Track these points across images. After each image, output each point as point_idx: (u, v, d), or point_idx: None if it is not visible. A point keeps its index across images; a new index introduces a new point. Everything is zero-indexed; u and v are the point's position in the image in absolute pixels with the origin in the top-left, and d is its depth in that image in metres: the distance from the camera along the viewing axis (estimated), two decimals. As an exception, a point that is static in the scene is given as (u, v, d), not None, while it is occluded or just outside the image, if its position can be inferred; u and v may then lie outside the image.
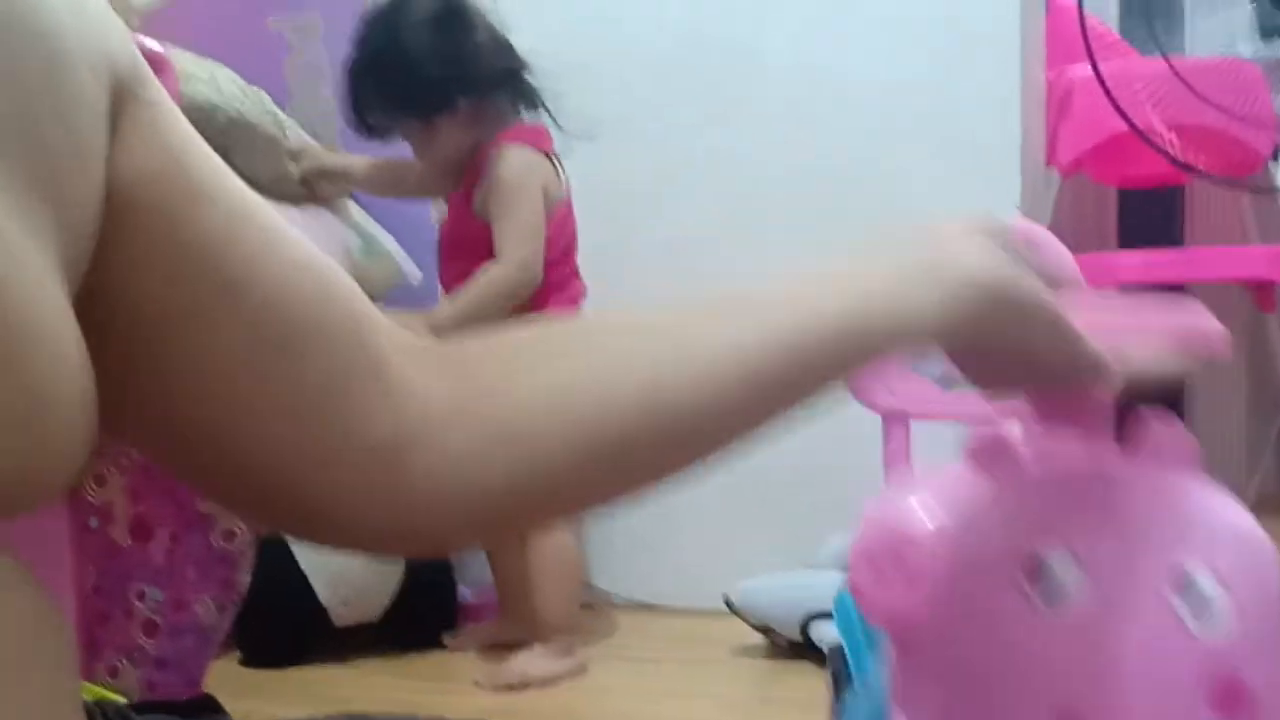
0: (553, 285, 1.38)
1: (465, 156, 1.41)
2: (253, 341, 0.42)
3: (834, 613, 0.88)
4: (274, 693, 1.31)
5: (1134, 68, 1.52)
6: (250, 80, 1.47)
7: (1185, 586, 0.55)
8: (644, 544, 1.45)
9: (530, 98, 1.42)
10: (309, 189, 1.44)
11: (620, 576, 1.60)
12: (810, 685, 1.06)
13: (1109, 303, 0.62)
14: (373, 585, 1.42)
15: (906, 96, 1.53)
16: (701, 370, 0.45)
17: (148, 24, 1.82)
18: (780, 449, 1.54)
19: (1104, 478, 0.60)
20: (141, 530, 1.02)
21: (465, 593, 1.52)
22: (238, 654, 1.39)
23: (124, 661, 1.02)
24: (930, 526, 0.60)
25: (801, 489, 1.50)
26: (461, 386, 0.45)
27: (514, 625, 1.41)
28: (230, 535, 1.05)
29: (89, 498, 1.00)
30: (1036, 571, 0.56)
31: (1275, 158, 1.45)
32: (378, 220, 1.62)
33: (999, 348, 0.53)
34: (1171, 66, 1.50)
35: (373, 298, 0.48)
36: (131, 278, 0.40)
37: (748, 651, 1.41)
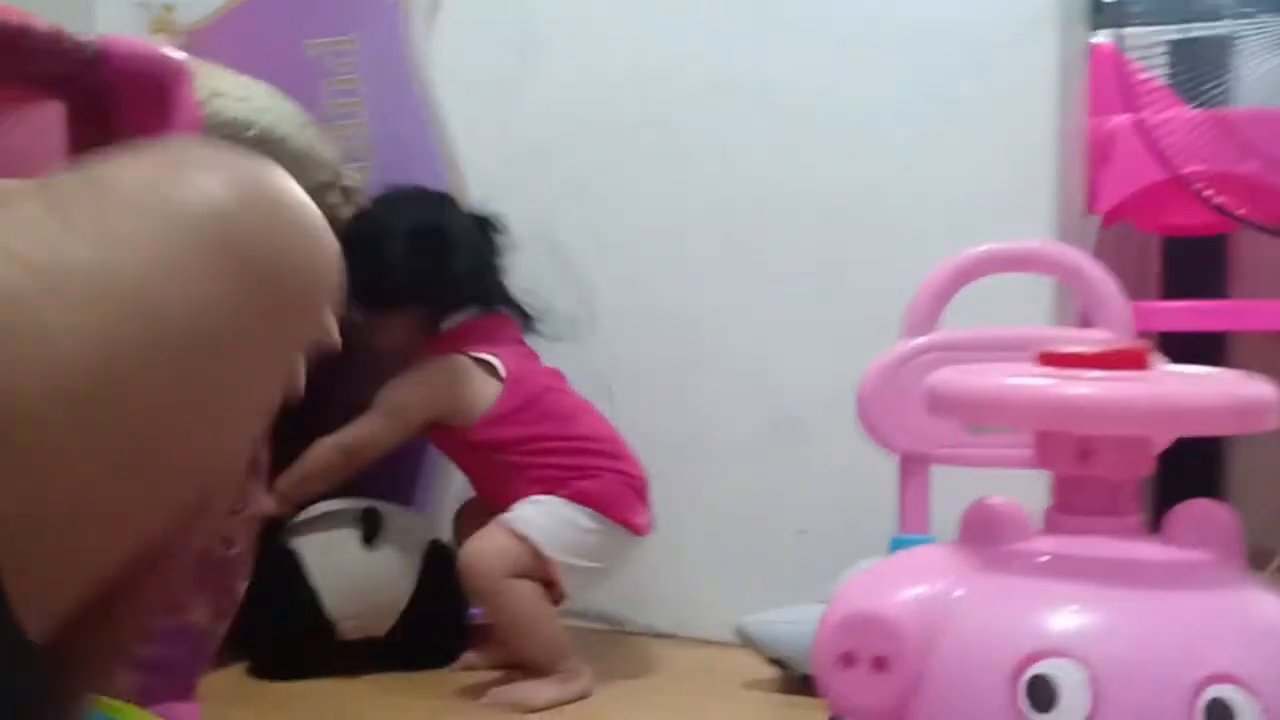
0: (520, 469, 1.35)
1: (409, 349, 1.40)
2: None
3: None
4: (281, 704, 1.27)
5: (1178, 116, 1.48)
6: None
7: (1209, 701, 0.47)
8: (658, 573, 1.41)
9: (494, 305, 1.43)
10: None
11: (634, 605, 1.56)
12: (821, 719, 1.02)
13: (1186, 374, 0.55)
14: (383, 600, 1.38)
15: (940, 139, 1.50)
16: None
17: (191, 44, 1.83)
18: (801, 484, 1.51)
19: (1126, 569, 0.52)
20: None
21: (476, 612, 1.49)
22: (245, 664, 1.36)
23: (117, 666, 0.99)
24: (912, 617, 0.54)
25: (820, 523, 1.47)
26: None
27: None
28: (228, 542, 1.02)
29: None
30: (1035, 684, 0.48)
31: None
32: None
33: None
34: (1216, 115, 1.45)
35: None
36: None
37: (759, 685, 1.37)
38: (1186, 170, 1.41)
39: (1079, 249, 1.04)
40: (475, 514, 1.40)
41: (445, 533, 1.45)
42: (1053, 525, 0.57)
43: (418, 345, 1.39)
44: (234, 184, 0.50)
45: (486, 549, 1.29)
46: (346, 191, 1.46)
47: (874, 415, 0.83)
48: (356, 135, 1.59)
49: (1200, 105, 1.46)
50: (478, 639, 1.45)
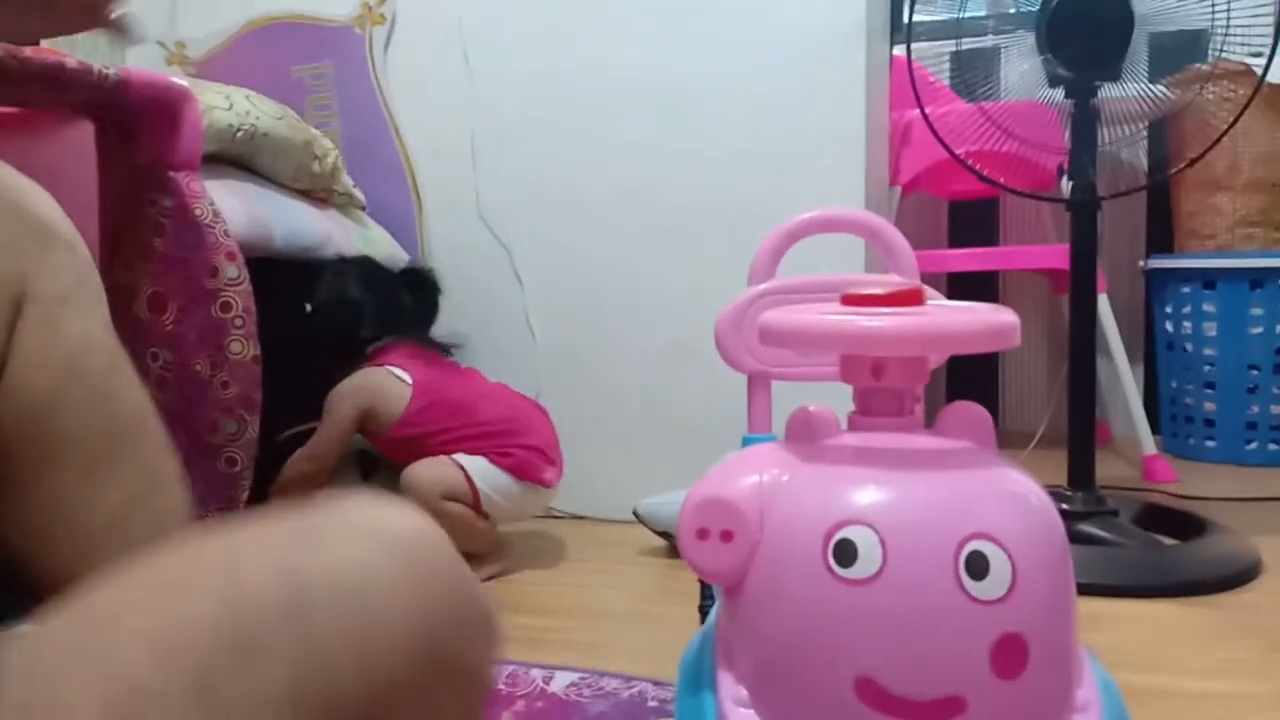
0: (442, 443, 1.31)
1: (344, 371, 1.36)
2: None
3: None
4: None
5: (956, 109, 1.48)
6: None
7: (970, 554, 0.47)
8: (572, 467, 1.39)
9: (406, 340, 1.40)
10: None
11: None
12: (697, 581, 1.03)
13: (947, 306, 0.55)
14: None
15: (772, 132, 1.50)
16: None
17: (201, 69, 1.75)
18: (690, 394, 1.52)
19: (908, 456, 0.51)
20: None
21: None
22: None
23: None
24: (749, 499, 0.54)
25: (704, 425, 1.48)
26: None
27: None
28: (231, 461, 0.99)
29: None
30: (840, 546, 0.48)
31: (1061, 175, 1.41)
32: (374, 218, 1.59)
33: None
34: (982, 109, 1.46)
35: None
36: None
37: (652, 553, 1.38)
38: (961, 150, 1.41)
39: (881, 214, 1.04)
40: None
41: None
42: (854, 425, 0.57)
43: (352, 367, 1.35)
44: (410, 516, 0.41)
45: (426, 473, 1.26)
46: (323, 161, 1.41)
47: (727, 345, 0.82)
48: (333, 140, 1.55)
49: (973, 100, 1.46)
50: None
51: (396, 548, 0.38)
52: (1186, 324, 2.03)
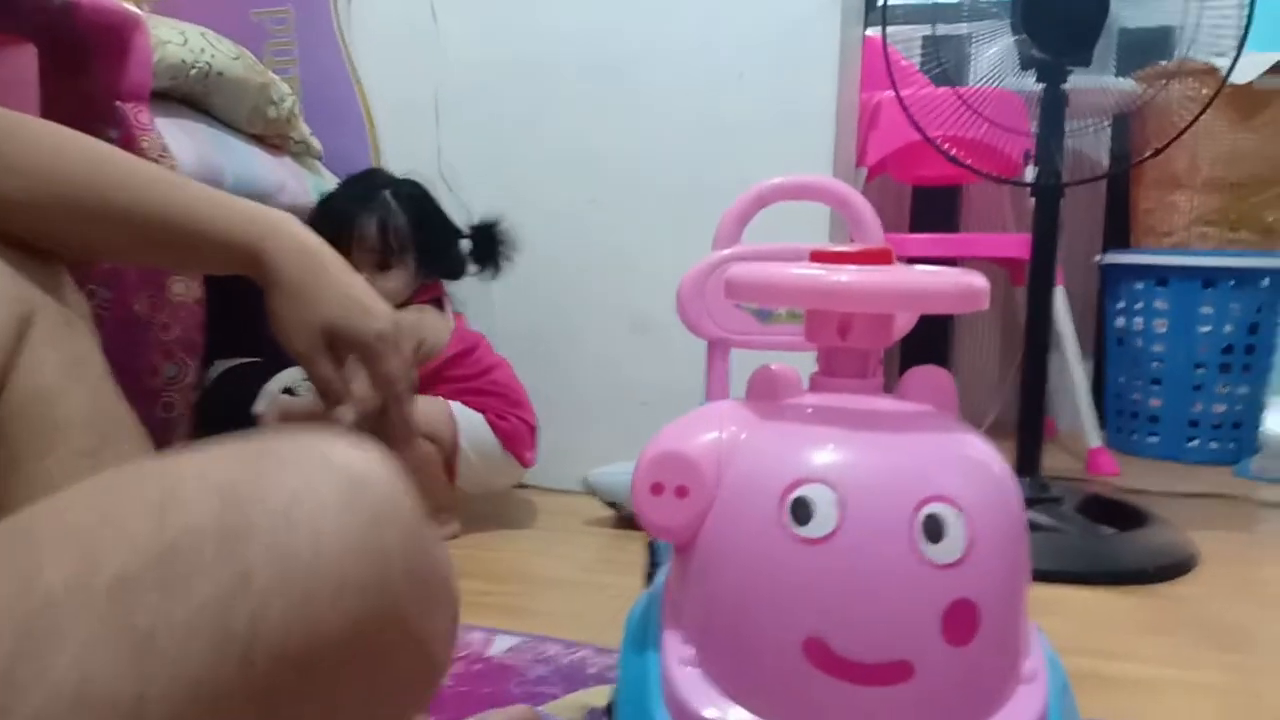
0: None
1: (402, 298, 1.34)
2: None
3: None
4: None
5: (928, 92, 1.48)
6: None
7: (926, 516, 0.46)
8: (527, 435, 1.37)
9: (458, 275, 1.41)
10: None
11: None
12: (643, 550, 1.02)
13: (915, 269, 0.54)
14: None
15: (744, 106, 1.49)
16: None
17: (157, 7, 1.69)
18: (645, 367, 1.51)
19: (868, 417, 0.50)
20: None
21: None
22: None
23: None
24: (706, 454, 0.52)
25: (660, 398, 1.47)
26: None
27: None
28: (168, 406, 0.95)
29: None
30: (797, 504, 0.46)
31: (1026, 162, 1.41)
32: (329, 169, 1.55)
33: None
34: (956, 92, 1.46)
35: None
36: None
37: (599, 523, 1.37)
38: (932, 133, 1.41)
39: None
40: None
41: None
42: (816, 385, 0.55)
43: (409, 295, 1.34)
44: (377, 459, 0.36)
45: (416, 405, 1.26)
46: (279, 106, 1.37)
47: (688, 309, 0.80)
48: (291, 87, 1.50)
49: (944, 84, 1.46)
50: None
51: (354, 489, 0.34)
52: (1138, 320, 2.06)
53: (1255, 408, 2.03)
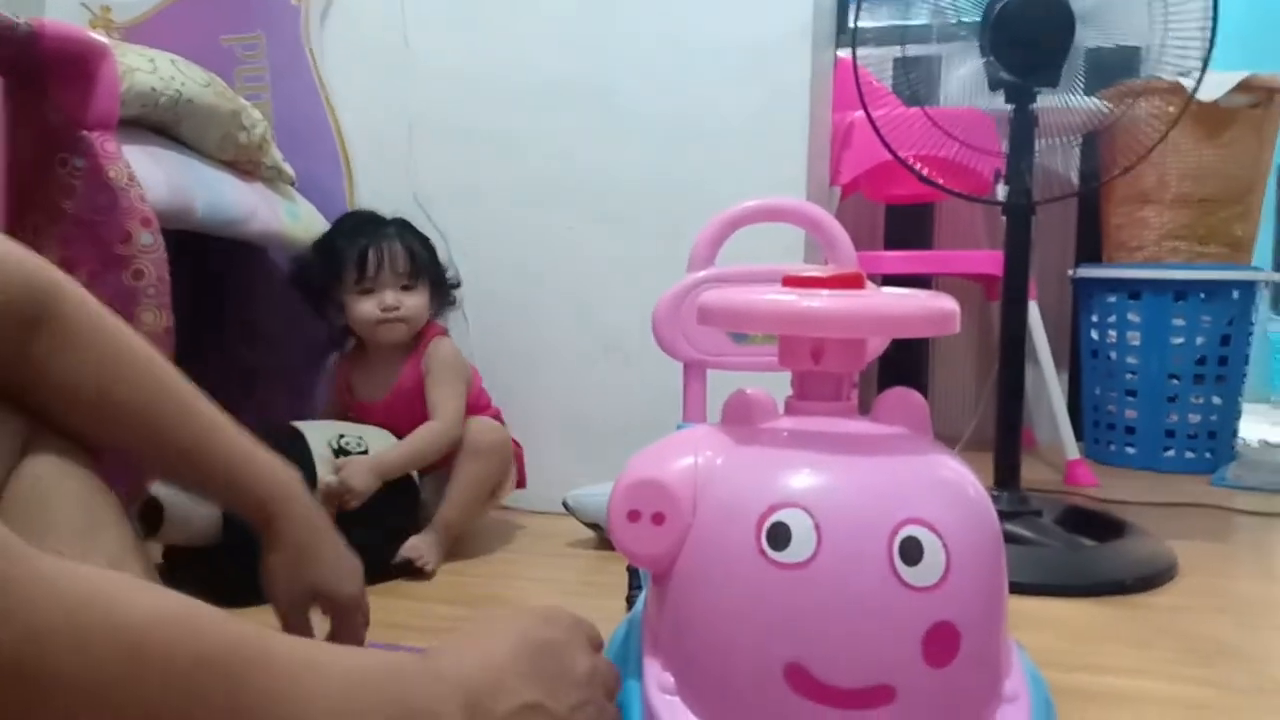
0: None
1: (416, 326, 1.35)
2: None
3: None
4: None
5: (899, 113, 1.49)
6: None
7: (903, 539, 0.46)
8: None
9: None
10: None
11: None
12: (625, 571, 1.02)
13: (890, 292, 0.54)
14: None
15: (716, 130, 1.51)
16: None
17: (127, 35, 1.68)
18: (619, 392, 1.51)
19: (844, 440, 0.50)
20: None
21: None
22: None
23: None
24: (682, 480, 0.52)
25: (633, 421, 1.46)
26: None
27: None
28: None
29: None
30: (774, 529, 0.46)
31: (997, 181, 1.43)
32: (301, 193, 1.54)
33: None
34: (925, 113, 1.48)
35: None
36: None
37: (581, 544, 1.36)
38: (903, 153, 1.42)
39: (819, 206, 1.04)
40: None
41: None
42: (791, 409, 0.56)
43: (417, 335, 1.35)
44: None
45: (498, 428, 1.33)
46: (250, 132, 1.36)
47: (664, 332, 0.81)
48: (263, 113, 1.49)
49: (915, 104, 1.48)
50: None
51: None
52: (1111, 333, 2.08)
53: (1230, 417, 2.05)
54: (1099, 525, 1.42)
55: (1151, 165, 1.87)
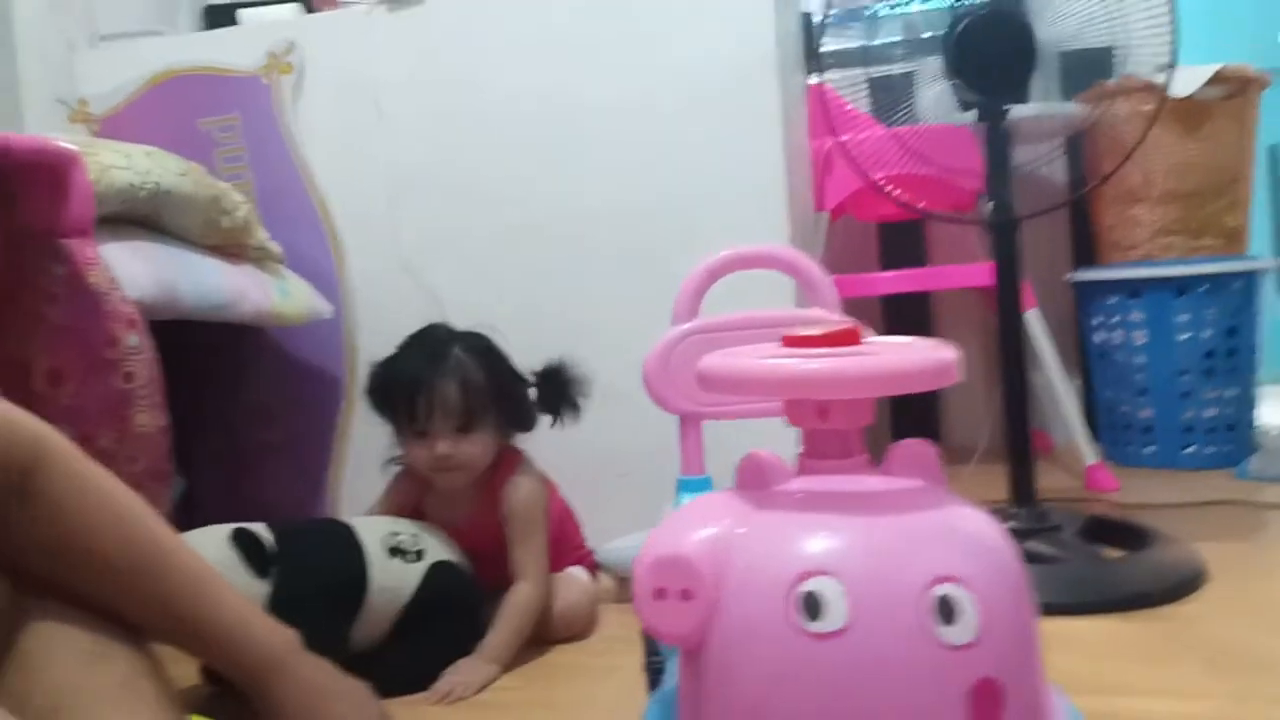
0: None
1: (485, 461, 1.24)
2: None
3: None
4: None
5: (873, 135, 1.51)
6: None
7: (937, 598, 0.46)
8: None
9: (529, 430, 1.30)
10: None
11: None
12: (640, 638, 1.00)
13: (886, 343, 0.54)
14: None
15: (692, 166, 1.52)
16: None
17: (105, 126, 1.70)
18: (621, 438, 1.50)
19: (863, 499, 0.51)
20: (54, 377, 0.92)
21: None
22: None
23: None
24: (705, 554, 0.51)
25: (637, 468, 1.46)
26: None
27: None
28: (131, 460, 0.93)
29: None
30: (806, 600, 0.46)
31: (981, 197, 1.44)
32: (293, 269, 1.55)
33: None
34: (900, 132, 1.48)
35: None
36: None
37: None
38: (881, 175, 1.43)
39: (808, 241, 1.05)
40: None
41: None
42: (804, 469, 0.55)
43: (494, 458, 1.25)
44: None
45: (586, 588, 1.31)
46: (233, 215, 1.37)
47: (655, 386, 0.81)
48: (244, 193, 1.50)
49: (892, 125, 1.48)
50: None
51: None
52: (1117, 333, 2.09)
53: (1246, 407, 2.04)
54: (1122, 534, 1.41)
55: (1136, 164, 1.88)
